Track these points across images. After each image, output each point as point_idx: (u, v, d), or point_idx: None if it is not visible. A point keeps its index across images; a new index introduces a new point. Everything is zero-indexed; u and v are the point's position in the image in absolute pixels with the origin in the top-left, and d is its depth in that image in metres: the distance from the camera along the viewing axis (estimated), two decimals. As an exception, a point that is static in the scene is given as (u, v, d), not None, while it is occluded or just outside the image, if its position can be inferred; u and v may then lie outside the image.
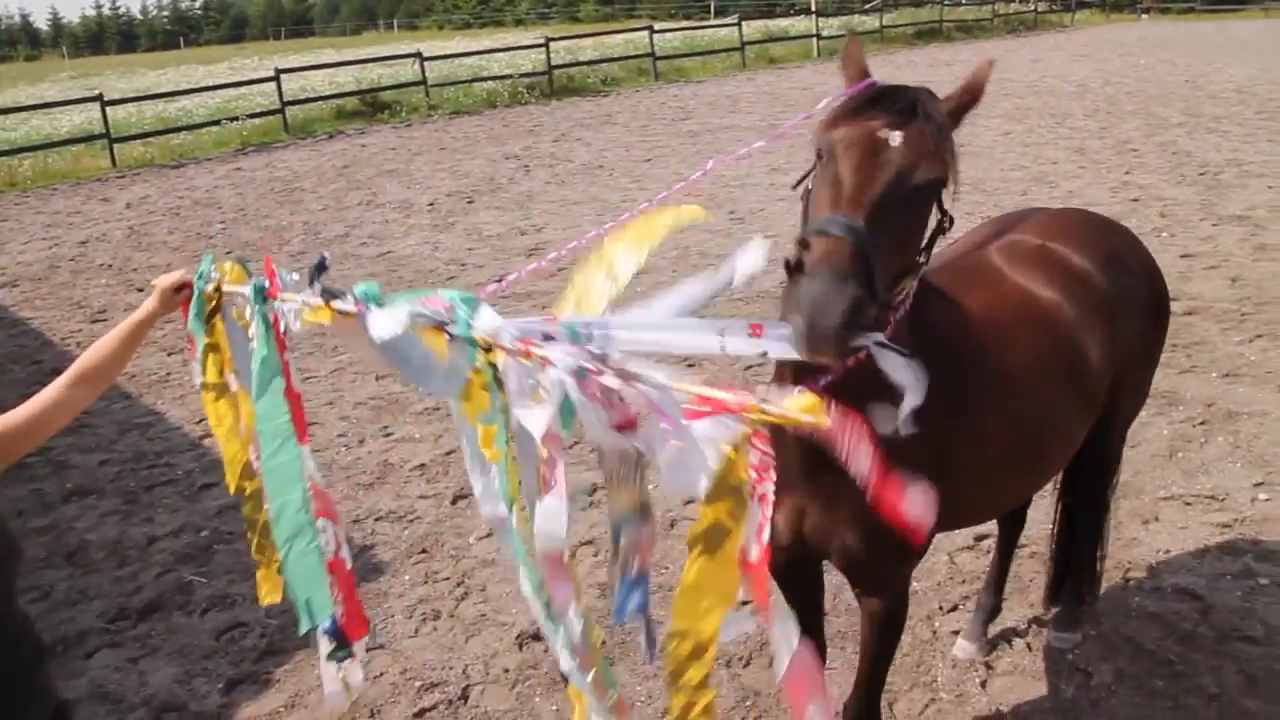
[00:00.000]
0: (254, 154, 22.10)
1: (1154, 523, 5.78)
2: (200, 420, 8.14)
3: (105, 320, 10.97)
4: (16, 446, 2.61)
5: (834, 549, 3.34)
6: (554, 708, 4.65)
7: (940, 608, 5.09)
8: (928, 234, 2.69)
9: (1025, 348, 3.61)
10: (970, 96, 2.70)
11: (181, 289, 2.98)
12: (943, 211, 2.71)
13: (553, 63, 29.83)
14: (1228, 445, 6.58)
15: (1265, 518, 5.73)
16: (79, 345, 10.19)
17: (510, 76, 28.83)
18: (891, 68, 31.10)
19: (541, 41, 30.84)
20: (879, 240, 2.35)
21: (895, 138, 2.52)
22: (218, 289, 2.94)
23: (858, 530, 3.22)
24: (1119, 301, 4.03)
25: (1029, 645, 4.85)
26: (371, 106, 26.42)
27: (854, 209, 2.40)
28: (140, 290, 12.03)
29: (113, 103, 23.48)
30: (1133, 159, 15.31)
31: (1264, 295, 9.19)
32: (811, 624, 3.91)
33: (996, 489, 3.79)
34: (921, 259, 2.70)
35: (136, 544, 6.33)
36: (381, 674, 4.94)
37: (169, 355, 9.71)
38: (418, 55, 28.19)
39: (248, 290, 2.77)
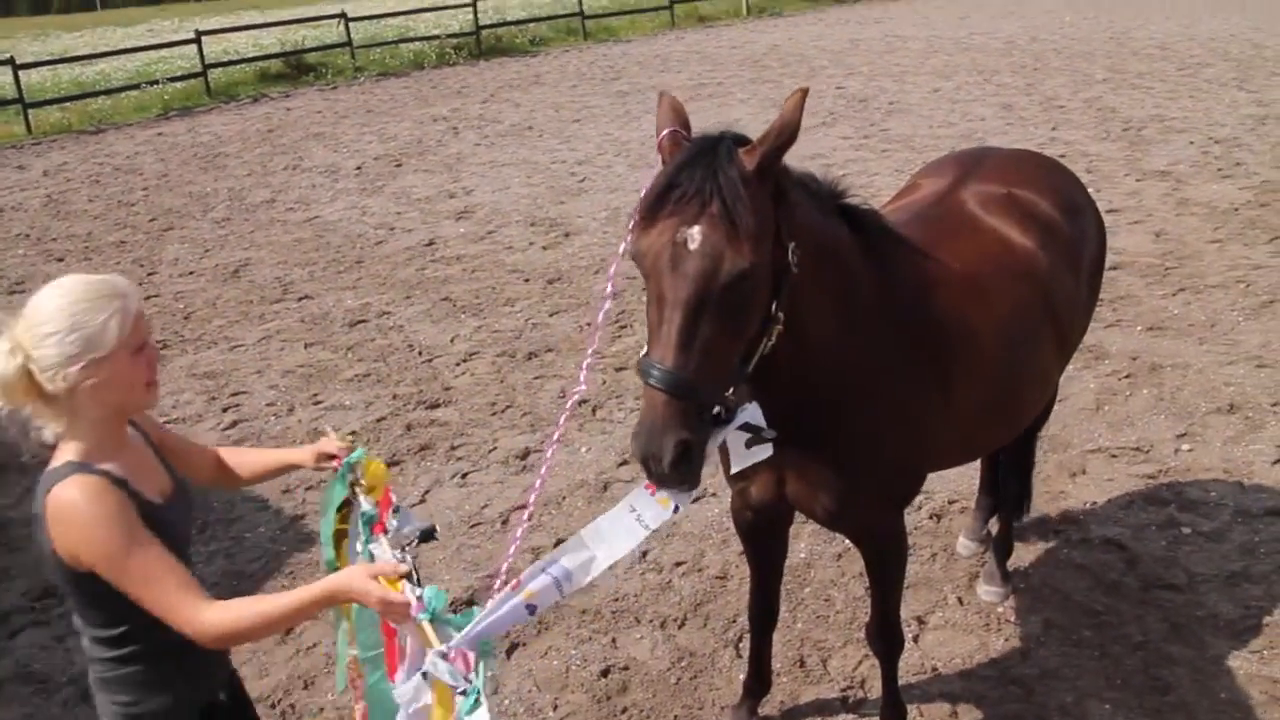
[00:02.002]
0: (176, 119, 21.59)
1: (1081, 475, 5.87)
2: (124, 392, 7.97)
3: (23, 290, 10.68)
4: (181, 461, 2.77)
5: (816, 509, 3.41)
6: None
7: (873, 564, 5.14)
8: (769, 303, 2.62)
9: (1006, 300, 3.66)
10: (784, 138, 2.57)
11: (333, 458, 2.92)
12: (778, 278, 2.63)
13: (480, 23, 29.41)
14: (1152, 398, 6.70)
15: (1188, 468, 5.85)
16: (-4, 317, 9.90)
17: (437, 37, 28.38)
18: (822, 25, 31.17)
19: (469, 1, 30.40)
20: (701, 362, 2.41)
21: (693, 238, 2.44)
22: (354, 485, 2.82)
23: (835, 490, 3.30)
24: (1079, 244, 4.15)
25: (960, 600, 4.91)
26: (296, 69, 25.89)
27: (666, 351, 2.42)
28: (60, 260, 11.73)
29: (25, 66, 22.76)
30: (1059, 115, 15.46)
31: (1186, 249, 9.35)
32: (770, 587, 3.99)
33: (976, 436, 3.89)
34: (772, 313, 2.64)
35: (60, 520, 6.18)
36: (314, 645, 4.89)
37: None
38: (343, 16, 27.66)
39: (364, 508, 2.67)
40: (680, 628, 4.85)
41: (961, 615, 4.81)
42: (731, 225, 2.42)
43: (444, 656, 2.21)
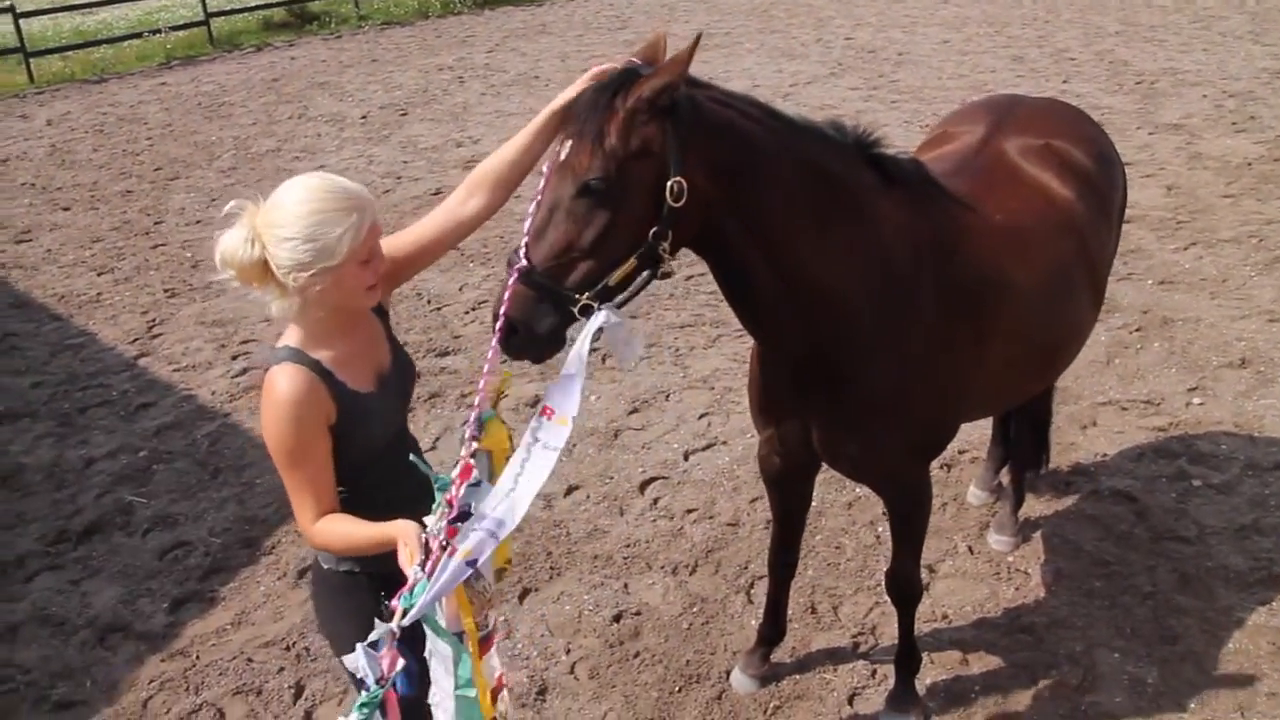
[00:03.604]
0: (179, 68, 21.40)
1: (1091, 427, 5.88)
2: (134, 340, 7.99)
3: (29, 240, 10.66)
4: (404, 271, 2.85)
5: (843, 459, 3.45)
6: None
7: (883, 513, 5.14)
8: (656, 221, 2.66)
9: (1047, 253, 3.66)
10: (663, 76, 2.61)
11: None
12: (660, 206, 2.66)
13: (486, -29, 29.10)
14: (1163, 351, 6.69)
15: (1199, 421, 5.85)
16: (3, 266, 9.90)
17: (443, -15, 28.11)
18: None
19: (474, -51, 30.07)
20: (548, 257, 2.60)
21: (563, 151, 2.66)
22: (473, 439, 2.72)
23: (862, 441, 3.33)
24: (1111, 195, 4.16)
25: (970, 549, 4.94)
26: (299, 18, 25.60)
27: (530, 243, 2.63)
28: (67, 210, 11.69)
29: (26, 14, 22.51)
30: (1070, 68, 15.31)
31: (1198, 203, 9.29)
32: (792, 535, 4.03)
33: (1010, 389, 3.92)
34: (651, 240, 2.66)
35: (73, 466, 6.22)
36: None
37: (98, 275, 9.47)
38: (346, -37, 27.35)
39: (444, 478, 2.56)
40: (692, 574, 4.88)
41: (972, 564, 4.84)
42: (594, 143, 2.58)
43: (373, 646, 2.34)
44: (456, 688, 2.45)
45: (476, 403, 2.65)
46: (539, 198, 2.68)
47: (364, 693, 2.31)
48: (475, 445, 2.62)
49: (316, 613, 2.99)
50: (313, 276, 2.47)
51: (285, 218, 2.45)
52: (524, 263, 2.61)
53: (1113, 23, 18.90)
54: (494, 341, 2.64)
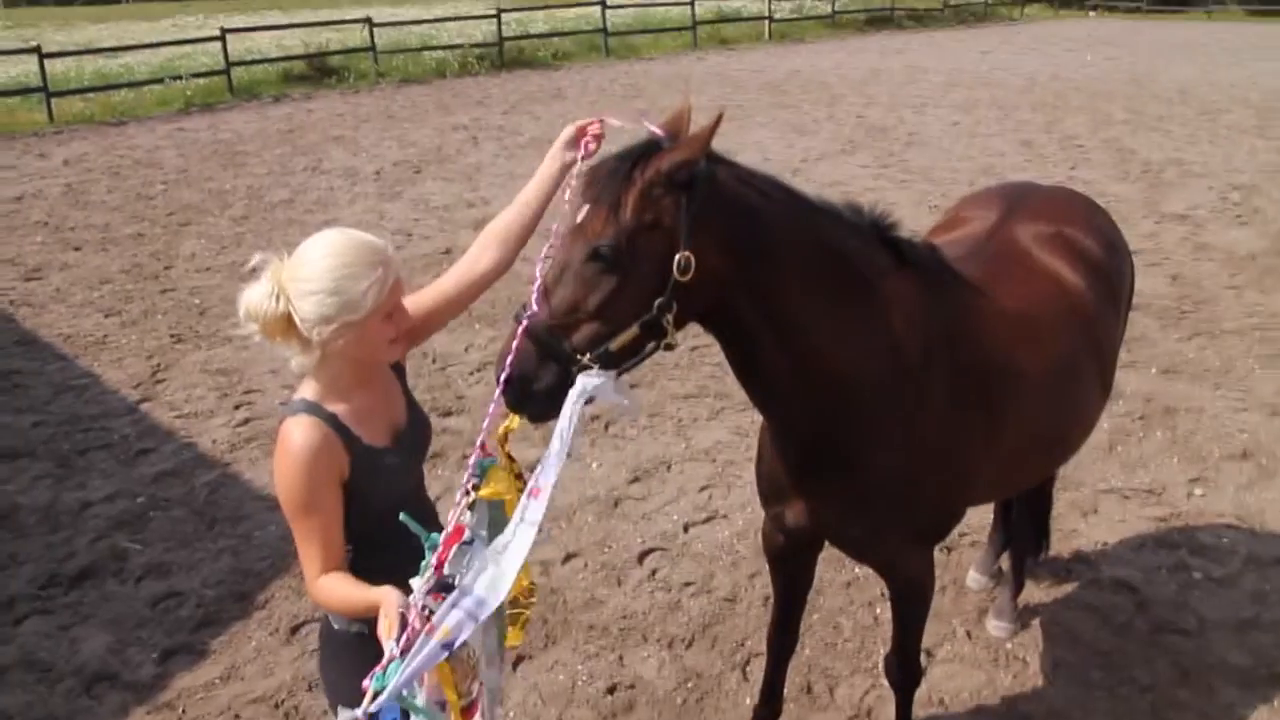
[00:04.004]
0: (197, 114, 21.67)
1: (1093, 515, 5.86)
2: (138, 384, 8.00)
3: (39, 278, 10.72)
4: (425, 328, 2.89)
5: (846, 540, 3.47)
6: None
7: (882, 594, 5.12)
8: (660, 290, 2.67)
9: (1058, 341, 3.67)
10: (683, 153, 2.66)
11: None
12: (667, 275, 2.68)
13: (504, 34, 29.53)
14: (1165, 440, 6.70)
15: (1200, 513, 5.84)
16: (11, 303, 9.95)
17: (461, 46, 28.50)
18: (843, 53, 31.26)
19: (493, 12, 30.51)
20: (554, 314, 2.62)
21: (580, 214, 2.68)
22: (472, 489, 2.66)
23: (867, 523, 3.33)
24: (1119, 283, 4.19)
25: (969, 634, 4.90)
26: (319, 71, 25.98)
27: (537, 300, 2.66)
28: (78, 250, 11.76)
29: (51, 55, 22.86)
30: (1078, 154, 15.49)
31: (1202, 294, 9.35)
32: (792, 614, 4.01)
33: (1016, 476, 3.92)
34: (655, 311, 2.66)
35: (69, 509, 6.19)
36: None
37: (106, 317, 9.51)
38: (367, 21, 27.76)
39: (432, 536, 2.52)
40: (688, 648, 4.84)
41: (970, 649, 4.80)
42: (609, 211, 2.61)
43: None
44: None
45: (477, 443, 2.64)
46: (548, 257, 2.72)
47: None
48: (473, 496, 2.57)
49: (324, 677, 2.96)
50: (337, 330, 2.50)
51: (310, 271, 2.48)
52: (530, 317, 2.64)
53: (1120, 111, 19.15)
54: (497, 394, 2.66)
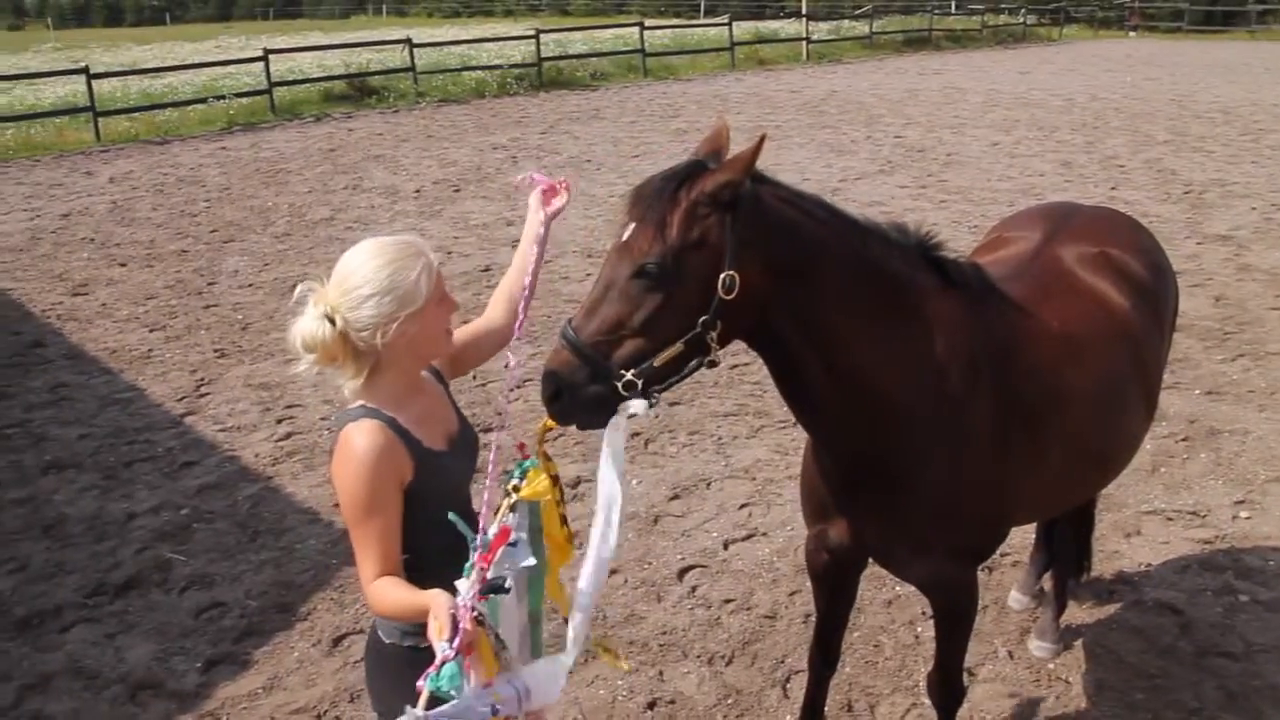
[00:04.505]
0: (240, 134, 21.94)
1: (1136, 536, 5.81)
2: (182, 398, 8.09)
3: (86, 293, 10.88)
4: (466, 356, 3.05)
5: (891, 558, 3.48)
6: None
7: (923, 613, 5.10)
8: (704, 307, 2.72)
9: (1102, 362, 3.65)
10: (728, 173, 2.72)
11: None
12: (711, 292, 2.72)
13: (543, 55, 29.72)
14: (1210, 462, 6.63)
15: (1245, 535, 5.77)
16: (59, 318, 10.10)
17: (499, 67, 28.71)
18: (881, 74, 31.24)
19: (532, 33, 30.74)
20: (597, 331, 2.69)
21: (626, 232, 2.74)
22: (512, 490, 2.76)
23: (911, 541, 3.34)
24: (1164, 305, 4.16)
25: (1010, 654, 4.87)
26: (359, 91, 26.25)
27: (582, 316, 2.74)
28: (123, 266, 11.92)
29: (98, 75, 23.25)
30: (1119, 175, 15.40)
31: (1246, 315, 9.26)
32: (834, 632, 4.00)
33: (1060, 497, 3.92)
34: (699, 329, 2.71)
35: (115, 519, 6.28)
36: (361, 659, 4.90)
37: (150, 332, 9.64)
38: (407, 41, 28.05)
39: (481, 537, 2.59)
40: (728, 665, 4.83)
41: (1012, 669, 4.77)
42: (655, 230, 2.67)
43: None
44: None
45: (492, 444, 2.74)
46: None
47: None
48: (514, 497, 2.64)
49: (370, 688, 2.98)
50: (401, 325, 2.55)
51: (360, 278, 2.54)
52: (573, 334, 2.71)
53: (1161, 131, 19.02)
54: (507, 389, 2.93)
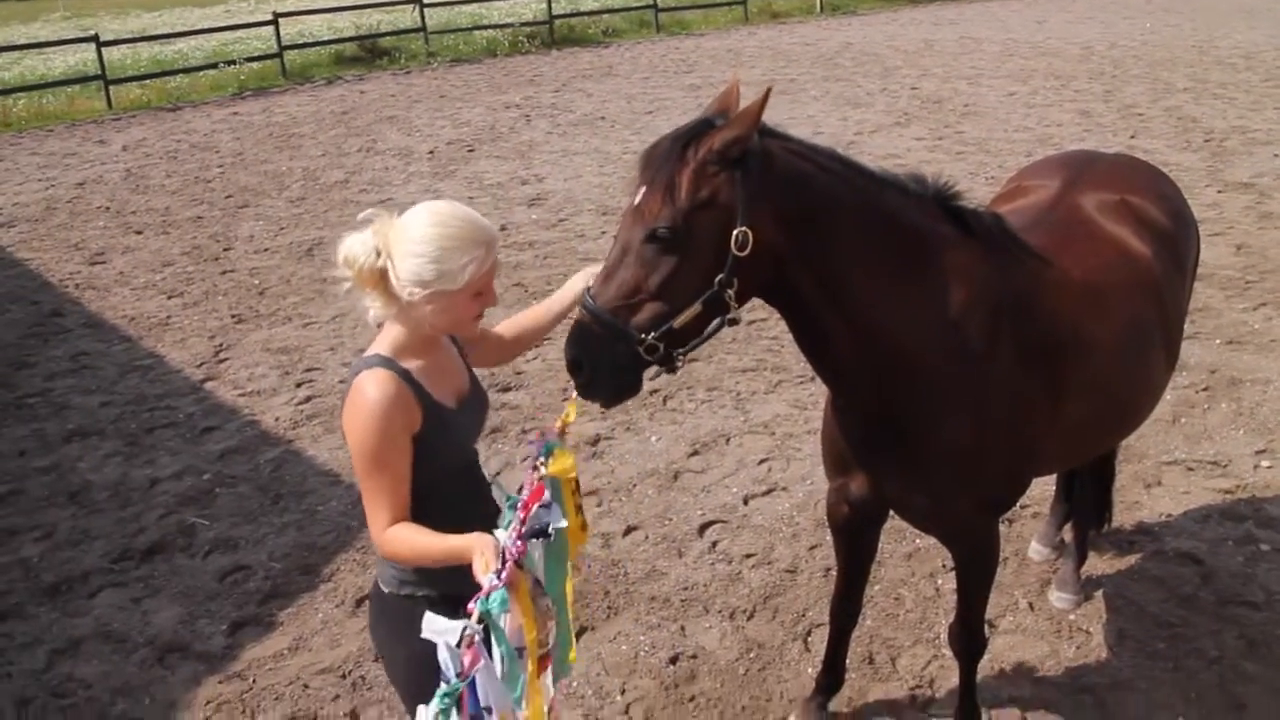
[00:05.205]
0: (251, 98, 21.89)
1: (1156, 487, 5.79)
2: (201, 364, 8.13)
3: (103, 262, 10.92)
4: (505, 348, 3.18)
5: (911, 509, 3.48)
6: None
7: (943, 565, 5.11)
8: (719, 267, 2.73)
9: (1124, 310, 3.63)
10: (734, 130, 2.70)
11: None
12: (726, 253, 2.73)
13: (554, 12, 29.49)
14: (1230, 412, 6.59)
15: (1267, 485, 5.75)
16: (77, 287, 10.14)
17: (511, 25, 28.49)
18: (896, 25, 30.88)
19: (543, -10, 30.51)
20: (616, 297, 2.71)
21: (638, 197, 2.75)
22: (537, 466, 2.82)
23: (932, 493, 3.33)
24: (1185, 252, 4.13)
25: (1031, 605, 4.87)
26: (370, 53, 26.12)
27: (599, 283, 2.76)
28: (139, 233, 11.95)
29: (108, 43, 23.18)
30: (1138, 123, 15.22)
31: (1268, 264, 9.17)
32: (856, 585, 4.02)
33: (1082, 446, 3.90)
34: (716, 288, 2.73)
35: (139, 485, 6.33)
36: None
37: (168, 299, 9.67)
38: (418, 2, 27.85)
39: (516, 496, 2.74)
40: (749, 619, 4.86)
41: (1033, 620, 4.77)
42: (665, 192, 2.67)
43: (457, 646, 2.35)
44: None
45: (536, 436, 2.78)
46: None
47: (444, 684, 2.33)
48: (542, 470, 2.71)
49: (373, 637, 3.04)
50: (429, 295, 2.59)
51: (417, 235, 2.57)
52: (593, 299, 2.72)
53: (1181, 79, 18.77)
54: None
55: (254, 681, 4.65)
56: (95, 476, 6.47)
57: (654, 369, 2.81)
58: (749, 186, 2.69)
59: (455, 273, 2.56)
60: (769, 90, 2.78)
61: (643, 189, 2.73)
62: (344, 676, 4.63)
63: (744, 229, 2.68)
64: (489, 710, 2.37)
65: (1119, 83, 18.69)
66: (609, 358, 2.73)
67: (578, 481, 2.87)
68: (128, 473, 6.50)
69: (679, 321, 2.71)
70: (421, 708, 2.33)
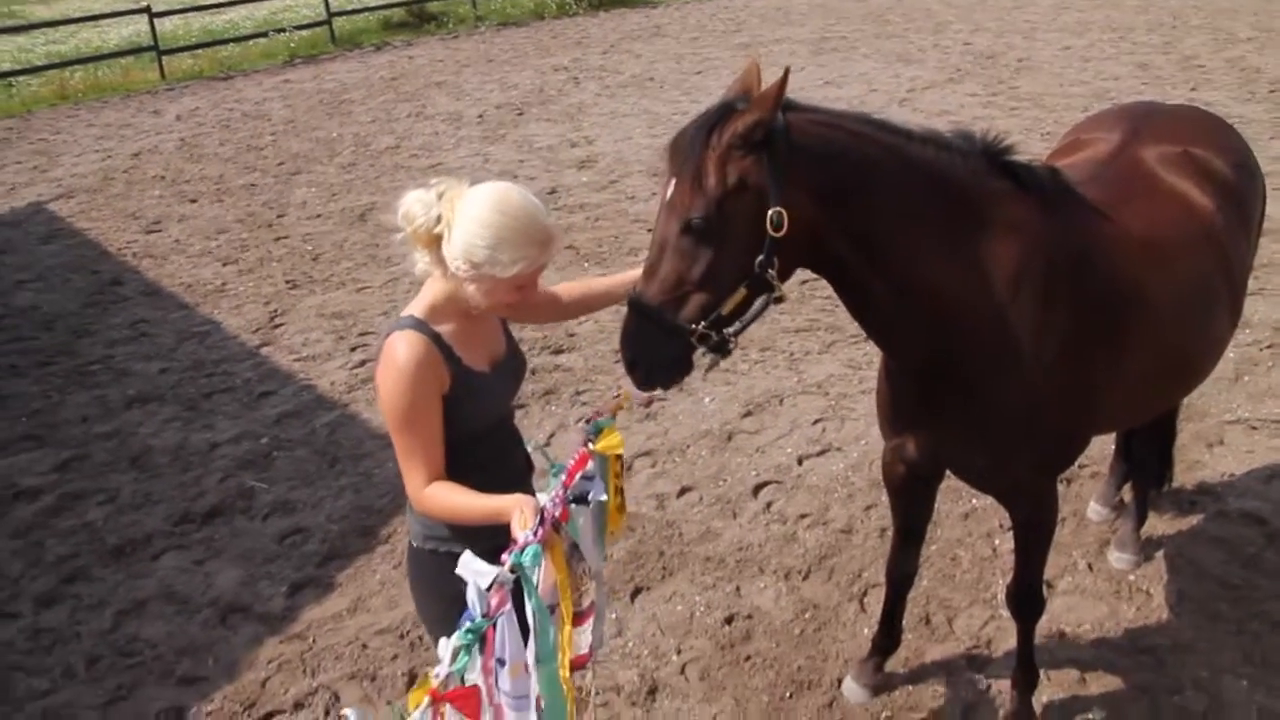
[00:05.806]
0: (301, 66, 21.95)
1: (1218, 446, 5.70)
2: (257, 329, 8.22)
3: (159, 230, 11.04)
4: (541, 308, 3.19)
5: (970, 469, 3.46)
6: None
7: (1000, 525, 5.06)
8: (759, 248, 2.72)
9: (1186, 265, 3.54)
10: (755, 114, 2.67)
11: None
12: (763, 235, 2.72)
13: (601, -26, 29.26)
14: (1296, 369, 6.46)
15: (1334, 442, 5.63)
16: (134, 255, 10.27)
17: (558, -13, 28.34)
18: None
19: (590, -48, 30.26)
20: (660, 291, 2.72)
21: (670, 190, 2.74)
22: (587, 442, 2.90)
23: (991, 453, 3.30)
24: (1251, 206, 4.02)
25: (1090, 566, 4.82)
26: (418, 18, 26.07)
27: (643, 280, 2.78)
28: (194, 202, 12.07)
29: (160, 14, 23.32)
30: (1199, 75, 14.86)
31: (1335, 217, 8.94)
32: (912, 545, 4.00)
33: (1143, 404, 3.83)
34: (757, 270, 2.73)
35: (199, 450, 6.42)
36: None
37: (224, 266, 9.77)
38: (464, -35, 27.75)
39: (561, 464, 2.84)
40: (804, 579, 4.85)
41: (1091, 581, 4.72)
42: (694, 182, 2.67)
43: (486, 589, 2.39)
44: (539, 660, 2.49)
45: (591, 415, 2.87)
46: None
47: (469, 622, 2.37)
48: (590, 447, 2.79)
49: (412, 592, 3.10)
50: (472, 274, 2.64)
51: (480, 212, 2.61)
52: (638, 300, 2.75)
53: (1244, 28, 18.29)
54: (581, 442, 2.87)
55: (314, 641, 4.72)
56: (156, 441, 6.57)
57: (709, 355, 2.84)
58: (778, 166, 2.68)
59: (505, 264, 2.61)
60: (787, 70, 2.77)
61: (673, 181, 2.74)
62: (402, 636, 4.68)
63: (778, 209, 2.68)
64: (501, 663, 2.41)
65: (1178, 34, 18.25)
66: (664, 353, 2.77)
67: (622, 463, 2.94)
68: (187, 437, 6.59)
69: (726, 308, 2.74)
70: (444, 639, 2.37)
